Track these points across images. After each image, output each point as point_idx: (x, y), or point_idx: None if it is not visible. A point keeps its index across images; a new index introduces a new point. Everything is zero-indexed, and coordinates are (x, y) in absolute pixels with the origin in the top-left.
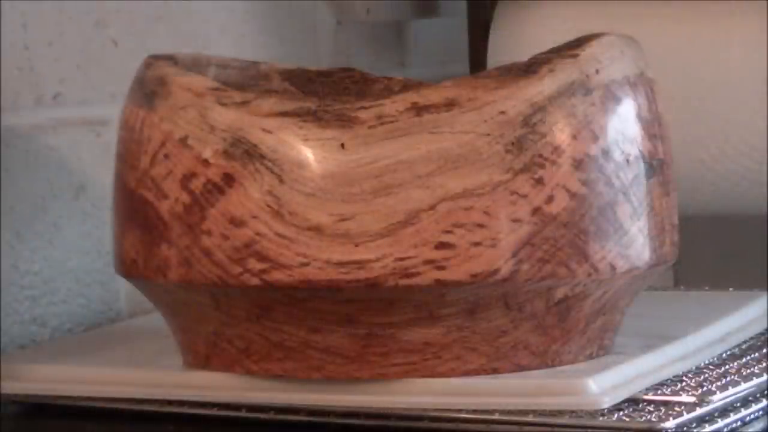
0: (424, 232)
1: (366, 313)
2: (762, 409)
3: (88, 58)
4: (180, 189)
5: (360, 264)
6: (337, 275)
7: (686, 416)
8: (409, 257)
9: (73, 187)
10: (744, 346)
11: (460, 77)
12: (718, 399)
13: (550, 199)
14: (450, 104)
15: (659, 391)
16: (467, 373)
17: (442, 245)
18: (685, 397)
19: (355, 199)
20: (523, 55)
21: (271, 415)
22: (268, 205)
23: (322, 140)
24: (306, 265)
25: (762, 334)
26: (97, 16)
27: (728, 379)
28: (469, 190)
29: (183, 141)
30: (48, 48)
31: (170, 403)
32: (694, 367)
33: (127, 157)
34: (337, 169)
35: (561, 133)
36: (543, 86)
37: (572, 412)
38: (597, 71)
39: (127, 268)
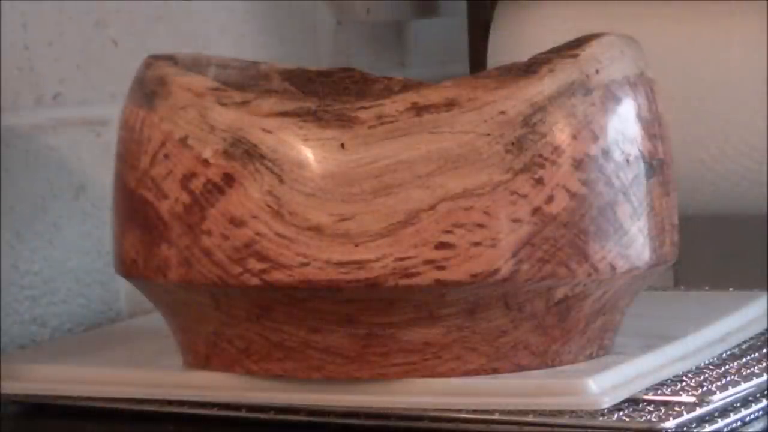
0: (424, 232)
1: (366, 313)
2: (762, 409)
3: (88, 58)
4: (180, 189)
5: (360, 264)
6: (337, 275)
7: (686, 416)
8: (409, 257)
9: (73, 187)
10: (744, 346)
11: (460, 77)
12: (718, 399)
13: (550, 199)
14: (450, 104)
15: (659, 391)
16: (467, 373)
17: (442, 245)
18: (685, 397)
19: (355, 199)
20: (523, 55)
21: (271, 415)
22: (268, 205)
23: (322, 140)
24: (306, 265)
25: (762, 334)
26: (97, 16)
27: (728, 379)
28: (469, 190)
29: (183, 141)
30: (48, 48)
31: (170, 403)
32: (694, 367)
33: (127, 157)
34: (337, 169)
35: (561, 133)
36: (543, 86)
37: (572, 412)
38: (597, 71)
39: (127, 268)
